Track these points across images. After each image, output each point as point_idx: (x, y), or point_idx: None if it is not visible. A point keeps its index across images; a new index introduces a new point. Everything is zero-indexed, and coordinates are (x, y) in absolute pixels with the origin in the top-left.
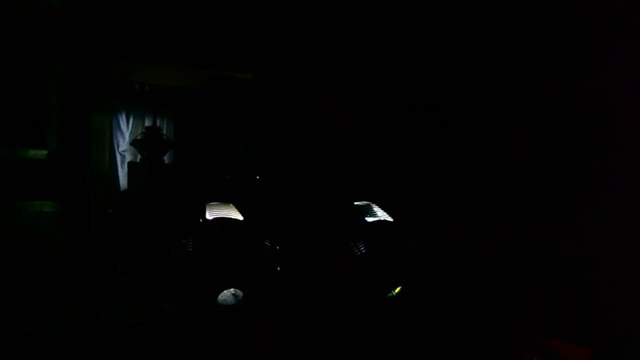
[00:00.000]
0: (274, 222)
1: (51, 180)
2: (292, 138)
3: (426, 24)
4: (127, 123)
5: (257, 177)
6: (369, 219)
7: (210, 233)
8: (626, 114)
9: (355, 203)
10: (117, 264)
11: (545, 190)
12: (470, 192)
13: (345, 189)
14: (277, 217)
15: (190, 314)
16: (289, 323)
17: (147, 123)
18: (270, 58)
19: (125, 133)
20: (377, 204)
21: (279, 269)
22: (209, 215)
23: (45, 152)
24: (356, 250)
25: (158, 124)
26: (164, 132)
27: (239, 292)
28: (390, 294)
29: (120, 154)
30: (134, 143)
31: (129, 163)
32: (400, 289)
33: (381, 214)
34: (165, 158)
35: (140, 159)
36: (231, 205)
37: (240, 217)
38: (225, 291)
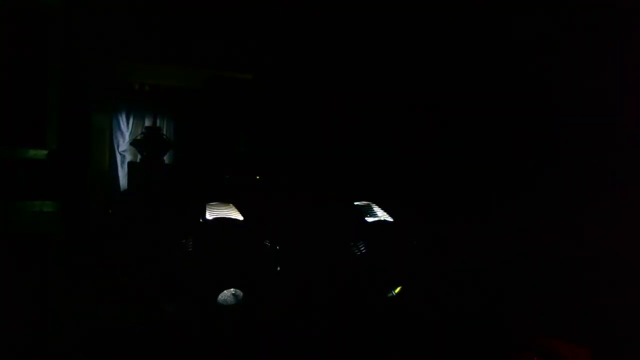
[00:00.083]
0: (274, 222)
1: (51, 180)
2: (292, 138)
3: (426, 24)
4: (127, 123)
5: (257, 177)
6: (369, 219)
7: (210, 233)
8: (626, 114)
9: (355, 203)
10: (117, 264)
11: (545, 190)
12: (470, 192)
13: (345, 189)
14: (277, 217)
15: (190, 314)
16: (289, 323)
17: (147, 123)
18: (270, 58)
19: (125, 133)
20: (377, 204)
21: (279, 269)
22: (209, 215)
23: (45, 152)
24: (356, 250)
25: (158, 124)
26: (164, 132)
27: (239, 292)
28: (390, 294)
29: (120, 154)
30: (134, 143)
31: (129, 163)
32: (400, 289)
33: (381, 214)
34: (165, 158)
35: (140, 159)
36: (231, 205)
37: (240, 217)
38: (225, 291)
